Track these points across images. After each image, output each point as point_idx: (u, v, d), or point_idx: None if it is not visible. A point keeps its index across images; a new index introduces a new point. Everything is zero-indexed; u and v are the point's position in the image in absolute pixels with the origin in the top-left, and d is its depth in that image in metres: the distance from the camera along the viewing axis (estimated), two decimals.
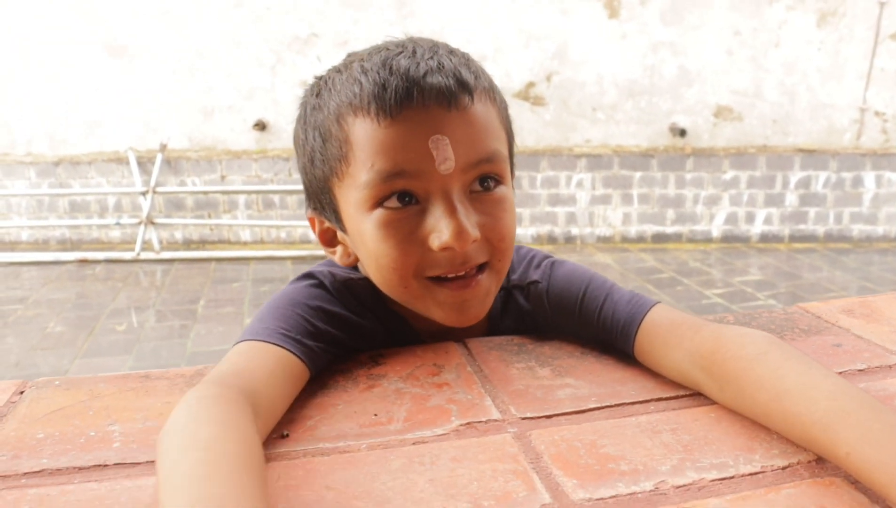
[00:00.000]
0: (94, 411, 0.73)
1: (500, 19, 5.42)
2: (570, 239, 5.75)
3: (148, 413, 0.72)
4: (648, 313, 0.80)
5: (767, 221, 5.78)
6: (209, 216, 5.71)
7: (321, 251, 5.30)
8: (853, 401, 0.59)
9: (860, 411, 0.58)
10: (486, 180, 0.77)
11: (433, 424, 0.68)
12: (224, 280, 5.03)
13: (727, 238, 5.79)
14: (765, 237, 5.81)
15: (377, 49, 0.78)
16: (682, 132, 5.55)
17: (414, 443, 0.65)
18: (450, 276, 0.77)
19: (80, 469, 0.63)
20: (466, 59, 0.78)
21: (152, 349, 3.91)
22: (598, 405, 0.71)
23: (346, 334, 0.83)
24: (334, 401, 0.73)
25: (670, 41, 5.50)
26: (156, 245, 5.49)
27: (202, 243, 5.77)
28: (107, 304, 4.62)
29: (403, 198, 0.75)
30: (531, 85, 5.54)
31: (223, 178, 5.64)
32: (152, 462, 0.63)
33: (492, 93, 0.79)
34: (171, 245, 5.72)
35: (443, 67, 0.73)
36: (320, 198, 0.83)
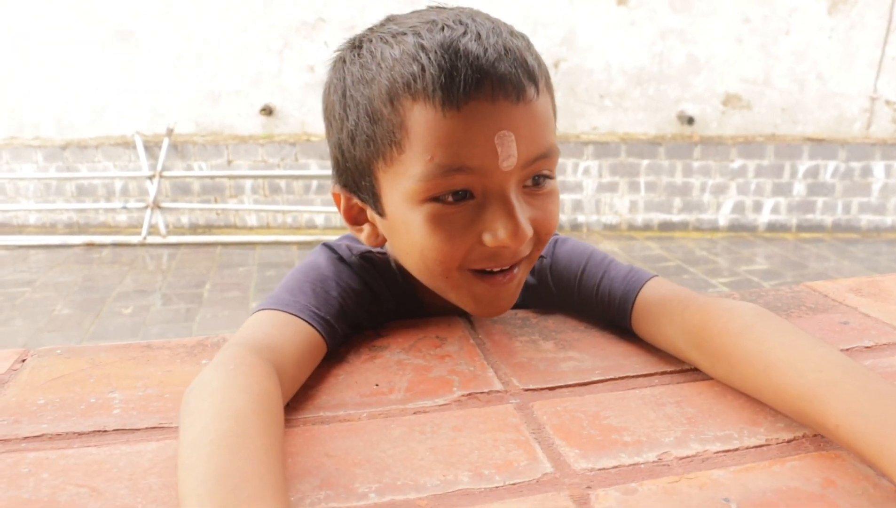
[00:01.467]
0: (95, 378, 0.72)
1: (508, 5, 5.39)
2: (576, 226, 5.73)
3: (148, 381, 0.72)
4: (642, 289, 0.79)
5: (775, 210, 5.75)
6: (215, 201, 5.71)
7: (327, 237, 5.30)
8: (840, 371, 0.57)
9: (848, 381, 0.56)
10: (539, 175, 0.73)
11: (434, 394, 0.68)
12: (230, 265, 5.04)
13: (734, 227, 5.77)
14: (772, 226, 5.78)
15: (431, 23, 0.70)
16: (690, 120, 5.52)
17: (415, 412, 0.65)
18: (494, 270, 0.74)
19: (80, 434, 0.63)
20: (527, 42, 0.72)
21: (158, 333, 3.92)
22: (602, 378, 0.71)
23: (365, 311, 0.82)
24: (336, 372, 0.73)
25: (679, 28, 5.46)
26: (162, 229, 5.49)
27: (208, 228, 5.77)
28: (113, 287, 4.63)
29: (458, 193, 0.70)
30: None
31: (230, 162, 5.64)
32: (152, 428, 0.63)
33: (549, 79, 0.74)
34: (178, 229, 5.72)
35: (510, 53, 0.67)
36: (357, 178, 0.77)
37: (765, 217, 5.76)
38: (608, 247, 5.36)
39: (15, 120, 5.76)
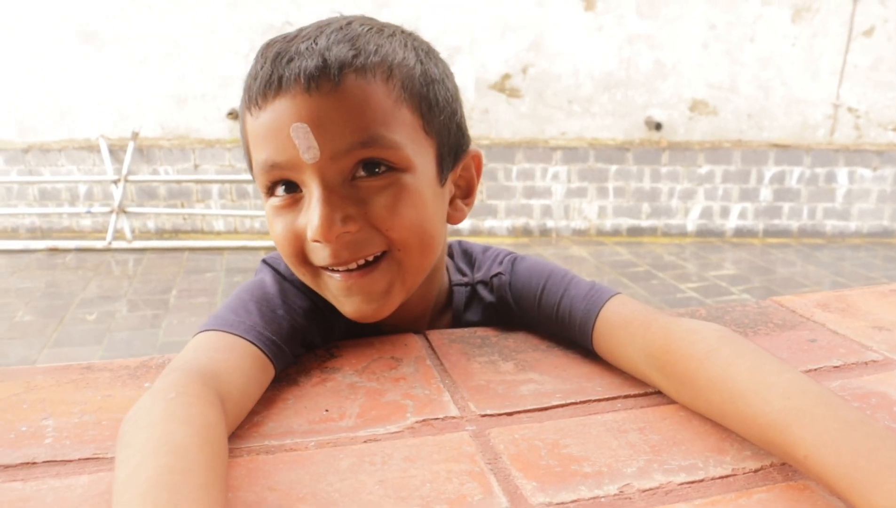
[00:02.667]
0: (29, 404, 0.68)
1: (477, 10, 5.38)
2: (545, 232, 5.73)
3: (85, 407, 0.68)
4: (603, 308, 0.76)
5: (742, 215, 5.80)
6: (182, 206, 5.63)
7: None
8: (809, 399, 0.55)
9: (816, 409, 0.54)
10: (373, 166, 0.71)
11: (387, 421, 0.65)
12: (197, 270, 4.97)
13: (702, 232, 5.80)
14: (739, 232, 5.83)
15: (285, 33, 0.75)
16: (658, 126, 5.55)
17: (365, 441, 0.61)
18: (338, 268, 0.74)
19: (7, 467, 0.59)
20: (355, 35, 0.71)
21: (123, 339, 3.85)
22: (563, 402, 0.68)
23: (316, 329, 0.80)
24: (284, 395, 0.70)
25: (647, 34, 5.49)
26: (128, 234, 5.40)
27: (175, 233, 5.69)
28: (77, 293, 4.54)
29: (289, 187, 0.73)
30: (507, 77, 5.51)
31: (196, 167, 5.56)
32: (85, 459, 0.59)
33: (386, 68, 0.71)
34: (144, 234, 5.63)
35: (314, 47, 0.68)
36: (251, 170, 0.79)
37: (732, 222, 5.81)
38: (577, 252, 5.36)
39: None
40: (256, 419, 0.65)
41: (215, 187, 5.60)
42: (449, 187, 0.81)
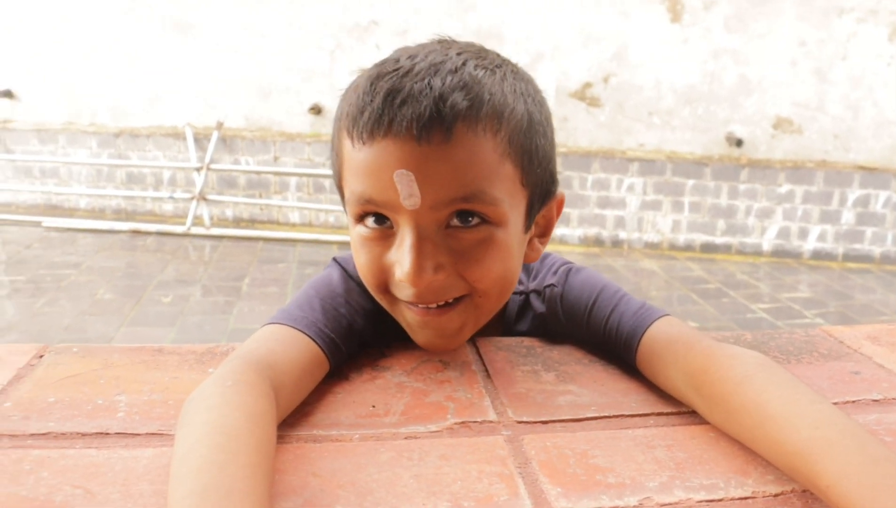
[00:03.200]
0: (105, 380, 0.75)
1: (560, 18, 5.38)
2: (617, 243, 5.69)
3: (154, 387, 0.74)
4: (651, 326, 0.78)
5: (821, 237, 5.64)
6: (260, 196, 5.79)
7: None
8: (837, 430, 0.57)
9: (843, 441, 0.56)
10: (467, 217, 0.71)
11: (428, 420, 0.69)
12: (270, 260, 5.10)
13: (778, 253, 5.67)
14: (817, 254, 5.67)
15: (386, 59, 0.73)
16: (739, 142, 5.45)
17: (406, 437, 0.66)
18: (419, 305, 0.75)
19: (83, 434, 0.65)
20: (470, 81, 0.69)
21: (195, 323, 3.99)
22: (596, 415, 0.71)
23: (373, 329, 0.83)
24: (336, 390, 0.74)
25: (733, 48, 5.39)
26: (206, 221, 5.58)
27: (251, 222, 5.86)
28: (155, 275, 4.72)
29: (380, 219, 0.73)
30: (588, 85, 5.49)
31: (276, 159, 5.71)
32: (151, 434, 0.65)
33: (496, 122, 0.70)
34: (222, 222, 5.81)
35: (427, 92, 0.67)
36: (339, 186, 0.81)
37: (810, 244, 5.66)
38: (648, 266, 5.31)
39: (73, 106, 5.92)
40: (307, 409, 0.70)
41: (293, 180, 5.74)
42: (530, 230, 0.82)
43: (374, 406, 0.71)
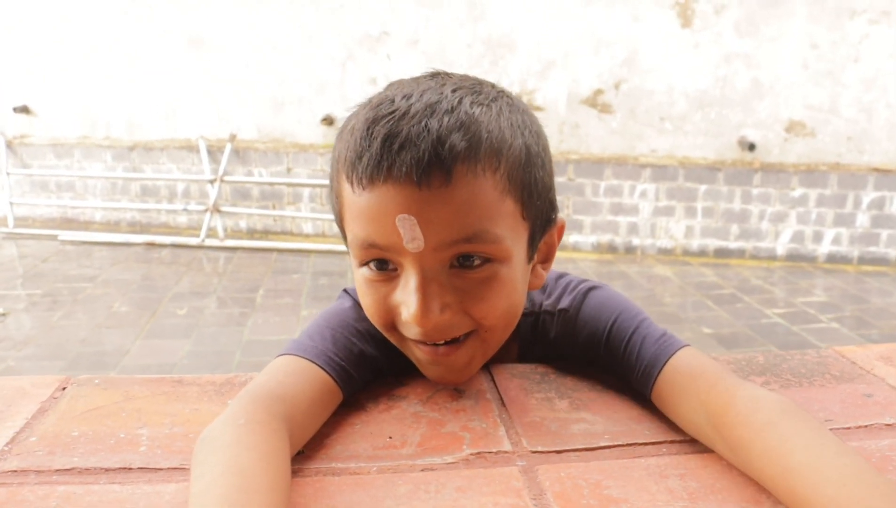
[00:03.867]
0: (127, 412, 0.76)
1: (571, 24, 5.39)
2: (630, 249, 5.68)
3: (175, 419, 0.75)
4: (673, 357, 0.77)
5: (836, 241, 5.61)
6: (273, 207, 5.82)
7: None
8: (865, 488, 0.55)
9: (872, 501, 0.54)
10: (471, 257, 0.72)
11: (444, 451, 0.70)
12: (284, 271, 5.13)
13: (792, 257, 5.65)
14: (832, 258, 5.64)
15: (377, 99, 0.73)
16: (752, 146, 5.43)
17: (423, 469, 0.67)
18: (427, 342, 0.76)
19: (107, 470, 0.66)
20: (467, 120, 0.69)
21: (211, 335, 4.02)
22: (610, 444, 0.72)
23: (386, 358, 0.84)
24: (353, 420, 0.76)
25: (744, 52, 5.38)
26: (220, 232, 5.62)
27: (265, 233, 5.89)
28: (170, 287, 4.76)
29: (382, 264, 0.74)
30: (599, 92, 5.49)
31: (289, 170, 5.75)
32: (174, 468, 0.67)
33: (495, 159, 0.70)
34: (235, 233, 5.85)
35: (424, 135, 0.66)
36: (340, 226, 0.81)
37: (825, 248, 5.63)
38: (662, 272, 5.30)
39: (88, 120, 5.98)
40: (326, 441, 0.71)
41: (306, 191, 5.77)
42: (533, 259, 0.82)
43: (390, 437, 0.72)
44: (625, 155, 5.54)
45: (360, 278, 0.77)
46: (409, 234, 0.68)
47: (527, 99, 5.36)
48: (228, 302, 4.52)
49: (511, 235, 0.73)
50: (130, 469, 0.67)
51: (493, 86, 0.78)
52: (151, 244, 5.59)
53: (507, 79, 5.46)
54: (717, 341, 3.91)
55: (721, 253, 5.65)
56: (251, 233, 5.90)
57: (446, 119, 0.68)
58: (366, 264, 0.75)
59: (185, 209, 5.80)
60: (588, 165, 5.50)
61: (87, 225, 6.03)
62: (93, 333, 4.06)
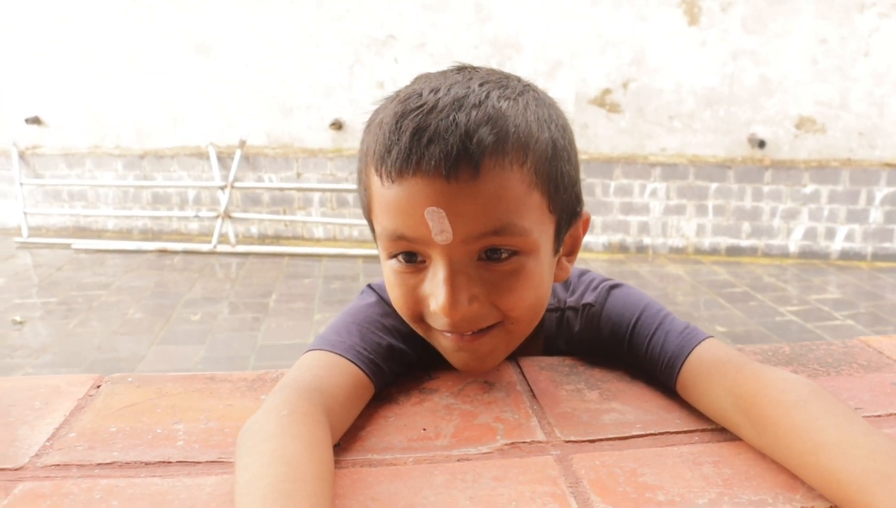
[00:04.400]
0: (162, 409, 0.77)
1: (578, 25, 5.40)
2: (641, 249, 5.68)
3: (210, 415, 0.76)
4: (697, 347, 0.78)
5: (849, 237, 5.60)
6: (284, 212, 5.85)
7: None
8: (894, 464, 0.56)
9: None
10: (498, 249, 0.73)
11: (479, 441, 0.70)
12: (296, 275, 5.15)
13: (805, 254, 5.63)
14: (845, 254, 5.63)
15: (405, 93, 0.74)
16: (762, 143, 5.42)
17: (458, 460, 0.67)
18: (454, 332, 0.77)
19: (147, 464, 0.67)
20: (495, 114, 0.70)
21: (224, 340, 4.03)
22: (642, 433, 0.72)
23: (413, 351, 0.85)
24: (386, 413, 0.76)
25: (752, 49, 5.38)
26: (232, 239, 5.65)
27: (276, 239, 5.91)
28: (183, 294, 4.78)
29: (410, 256, 0.75)
30: (607, 92, 5.50)
31: (299, 175, 5.77)
32: (212, 462, 0.68)
33: (522, 153, 0.71)
34: (247, 239, 5.87)
35: (453, 129, 0.67)
36: (368, 218, 0.82)
37: (838, 245, 5.61)
38: (674, 271, 5.29)
39: (99, 130, 6.02)
40: (361, 433, 0.72)
41: (316, 196, 5.79)
42: (559, 251, 0.83)
43: (424, 429, 0.73)
44: (634, 154, 5.54)
45: (389, 269, 0.78)
46: (438, 226, 0.69)
47: None
48: (241, 307, 4.54)
49: (538, 228, 0.74)
50: (170, 462, 0.68)
51: (519, 80, 0.78)
52: (164, 251, 5.62)
53: None
54: (731, 339, 3.90)
55: (733, 251, 5.64)
56: (262, 238, 5.92)
57: (474, 113, 0.69)
58: (394, 256, 0.76)
59: (196, 216, 5.83)
60: (598, 164, 5.50)
61: (99, 233, 6.06)
62: (108, 340, 4.09)
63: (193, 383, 0.83)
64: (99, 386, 0.83)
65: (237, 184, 5.71)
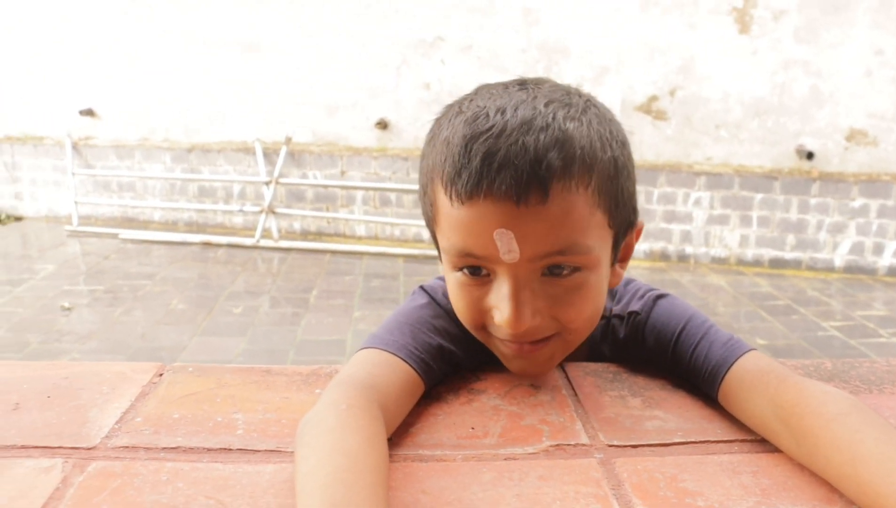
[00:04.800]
0: (221, 398, 0.81)
1: (626, 31, 5.38)
2: (683, 258, 5.64)
3: (267, 406, 0.80)
4: (741, 358, 0.79)
5: None
6: (327, 209, 5.92)
7: (433, 251, 5.40)
8: None
9: None
10: (559, 267, 0.76)
11: (525, 442, 0.73)
12: (337, 272, 5.21)
13: (851, 269, 5.54)
14: (893, 271, 5.52)
15: (471, 111, 0.75)
16: (810, 155, 5.35)
17: (505, 459, 0.70)
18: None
19: (209, 450, 0.71)
20: (562, 137, 0.71)
21: (264, 334, 4.10)
22: (683, 440, 0.74)
23: (463, 352, 0.88)
24: (435, 411, 0.79)
25: (804, 59, 5.31)
26: (275, 233, 5.73)
27: (319, 235, 5.98)
28: (226, 286, 4.86)
29: (475, 270, 0.78)
30: (654, 99, 5.47)
31: (343, 173, 5.84)
32: (271, 451, 0.71)
33: (587, 175, 0.73)
34: (290, 234, 5.95)
35: (522, 155, 0.69)
36: (431, 228, 0.85)
37: (886, 260, 5.51)
38: (715, 281, 5.25)
39: (148, 123, 6.16)
40: (411, 429, 0.75)
41: (360, 194, 5.85)
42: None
43: (473, 428, 0.75)
44: (679, 162, 5.51)
45: (454, 281, 0.81)
46: (506, 246, 0.72)
47: None
48: (282, 302, 4.61)
49: (599, 243, 0.77)
50: (230, 449, 0.71)
51: (580, 94, 0.80)
52: (208, 244, 5.72)
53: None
54: (771, 352, 3.87)
55: (776, 263, 5.58)
56: (305, 234, 6.00)
57: (542, 137, 0.70)
58: (460, 269, 0.79)
59: (240, 210, 5.93)
60: (642, 172, 5.47)
61: (146, 224, 6.20)
62: (151, 329, 4.18)
63: (251, 375, 0.87)
64: (161, 374, 0.87)
65: (282, 180, 5.79)
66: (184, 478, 0.66)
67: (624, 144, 0.80)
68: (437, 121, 0.81)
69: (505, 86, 0.79)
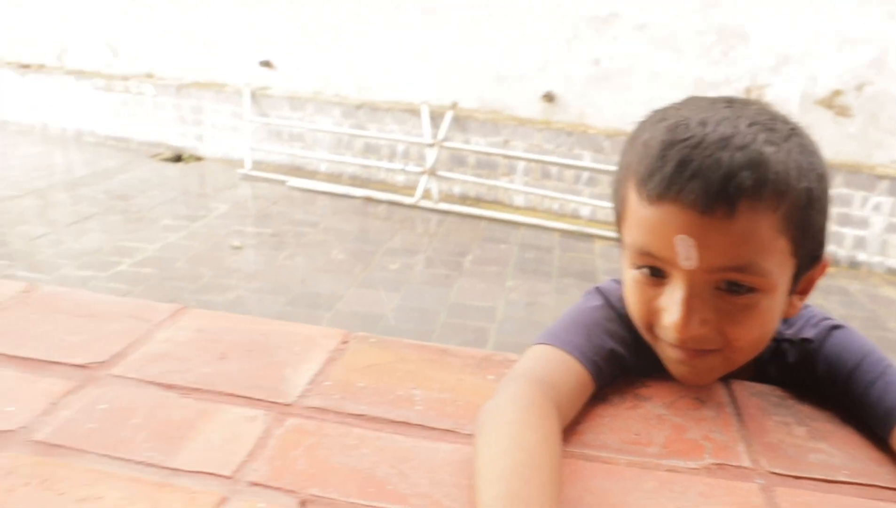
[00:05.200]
0: (401, 373, 0.88)
1: (813, 18, 5.07)
2: (854, 265, 5.31)
3: (443, 385, 0.86)
4: None
5: None
6: (487, 176, 5.99)
7: (590, 229, 5.38)
8: None
9: None
10: (737, 284, 0.77)
11: (687, 456, 0.75)
12: (492, 239, 5.28)
13: None
14: None
15: (674, 119, 0.78)
16: None
17: (667, 470, 0.73)
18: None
19: (390, 421, 0.78)
20: (757, 158, 0.73)
21: (417, 292, 4.24)
22: (849, 480, 0.73)
23: (632, 356, 0.90)
24: (601, 412, 0.83)
25: None
26: (434, 195, 5.87)
27: (477, 201, 6.08)
28: (384, 242, 5.05)
29: (654, 271, 0.81)
30: (838, 93, 5.15)
31: (506, 142, 5.88)
32: (447, 430, 0.77)
33: (777, 200, 0.74)
34: (448, 197, 6.08)
35: (715, 168, 0.72)
36: (617, 224, 0.88)
37: None
38: (889, 293, 4.92)
39: (322, 78, 6.42)
40: (578, 428, 0.79)
41: (521, 164, 5.88)
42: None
43: (637, 435, 0.78)
44: (860, 163, 5.18)
45: (631, 278, 0.84)
46: (685, 253, 0.75)
47: (755, 95, 5.13)
48: (437, 263, 4.74)
49: (778, 270, 0.78)
50: (410, 424, 0.78)
51: (786, 121, 0.80)
52: (369, 199, 5.94)
53: (737, 71, 5.25)
54: None
55: None
56: (464, 199, 6.11)
57: (738, 155, 0.72)
58: (638, 267, 0.82)
59: (403, 169, 6.10)
60: None
61: (312, 174, 6.50)
62: (311, 275, 4.42)
63: (427, 352, 0.93)
64: (346, 342, 0.95)
65: (445, 143, 5.91)
66: (369, 445, 0.73)
67: (822, 178, 0.80)
68: (641, 123, 0.85)
69: (713, 101, 0.81)
